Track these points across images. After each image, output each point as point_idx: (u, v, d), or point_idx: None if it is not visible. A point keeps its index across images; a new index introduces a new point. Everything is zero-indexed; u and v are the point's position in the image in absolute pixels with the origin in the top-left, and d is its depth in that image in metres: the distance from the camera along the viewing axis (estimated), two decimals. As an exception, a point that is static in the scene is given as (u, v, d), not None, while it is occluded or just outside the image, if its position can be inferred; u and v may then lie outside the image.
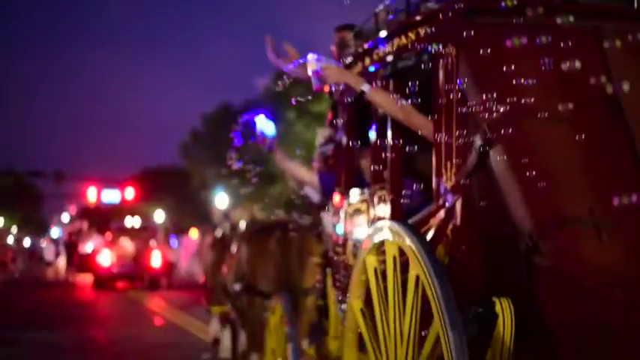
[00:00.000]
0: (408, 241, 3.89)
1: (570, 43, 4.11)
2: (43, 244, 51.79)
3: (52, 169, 64.57)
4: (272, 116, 6.57)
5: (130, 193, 40.65)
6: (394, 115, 4.88)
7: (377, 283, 4.33)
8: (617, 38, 4.19)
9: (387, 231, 4.16)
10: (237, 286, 8.54)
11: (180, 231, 40.99)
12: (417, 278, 3.81)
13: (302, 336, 6.83)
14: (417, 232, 3.95)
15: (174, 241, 38.08)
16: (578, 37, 4.20)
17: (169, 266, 33.55)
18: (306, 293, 7.27)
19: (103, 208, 39.26)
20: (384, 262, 4.25)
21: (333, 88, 5.28)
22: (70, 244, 40.75)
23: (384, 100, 4.93)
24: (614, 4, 4.62)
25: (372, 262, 4.39)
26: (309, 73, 5.18)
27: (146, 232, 34.17)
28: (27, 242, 55.42)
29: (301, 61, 5.42)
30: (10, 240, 44.89)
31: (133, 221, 36.03)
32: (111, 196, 41.49)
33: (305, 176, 6.71)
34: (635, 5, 4.49)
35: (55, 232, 44.96)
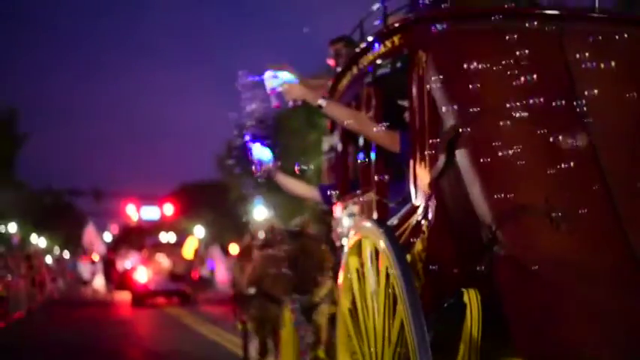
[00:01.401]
0: (378, 240, 4.24)
1: (533, 46, 4.41)
2: (81, 263, 52.38)
3: (90, 187, 65.54)
4: (265, 142, 6.72)
5: (169, 209, 41.01)
6: (350, 127, 5.26)
7: (358, 283, 4.67)
8: (579, 39, 4.50)
9: (362, 231, 4.51)
10: (251, 290, 8.89)
11: (220, 245, 41.37)
12: (387, 273, 4.16)
13: (316, 342, 7.16)
14: (387, 230, 4.29)
15: (214, 256, 38.46)
16: (541, 39, 4.51)
17: (206, 281, 33.95)
18: (318, 301, 7.58)
19: (144, 225, 39.70)
20: (363, 263, 4.60)
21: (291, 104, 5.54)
22: (108, 262, 41.36)
23: (340, 113, 5.35)
24: (577, 6, 4.91)
25: (353, 262, 4.73)
26: (268, 91, 5.48)
27: (181, 247, 34.61)
28: (69, 263, 56.06)
29: (257, 79, 5.65)
30: (49, 260, 45.50)
31: (168, 237, 36.47)
32: (150, 213, 41.90)
33: (306, 192, 7.01)
34: (597, 5, 4.77)
35: (95, 256, 45.53)
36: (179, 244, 35.25)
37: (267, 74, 5.51)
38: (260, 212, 33.54)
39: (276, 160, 6.64)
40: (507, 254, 3.90)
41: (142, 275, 32.63)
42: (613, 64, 4.39)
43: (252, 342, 9.70)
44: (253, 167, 6.64)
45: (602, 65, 4.41)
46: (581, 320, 3.77)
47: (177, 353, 15.83)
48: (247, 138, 6.54)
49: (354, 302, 4.83)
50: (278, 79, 5.45)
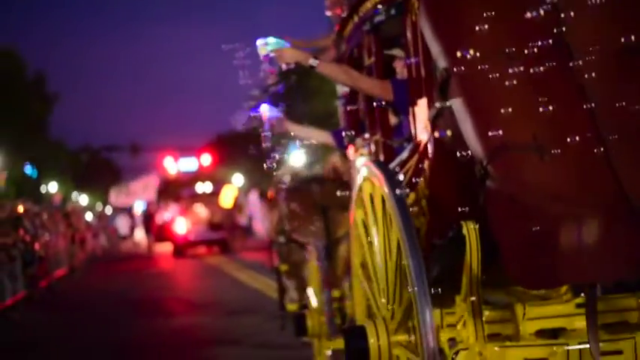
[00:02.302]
0: (375, 178, 4.54)
1: None
2: (119, 218, 52.98)
3: (127, 143, 66.16)
4: (272, 103, 6.94)
5: (206, 159, 41.23)
6: (344, 83, 5.53)
7: (370, 206, 4.95)
8: None
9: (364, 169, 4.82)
10: (281, 239, 9.21)
11: (260, 193, 41.69)
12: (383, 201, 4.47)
13: (339, 279, 7.47)
14: (383, 167, 4.56)
15: (253, 203, 38.73)
16: None
17: (245, 229, 34.44)
18: (338, 242, 7.89)
19: (182, 177, 40.10)
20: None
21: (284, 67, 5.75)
22: (147, 215, 41.97)
23: (332, 71, 5.63)
24: None
25: (366, 188, 5.00)
26: (261, 57, 5.73)
27: (220, 196, 35.09)
28: (111, 219, 56.70)
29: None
30: (89, 217, 46.12)
31: (205, 187, 36.92)
32: (188, 164, 42.21)
33: (320, 137, 7.28)
34: None
35: (139, 205, 46.02)
36: (216, 193, 35.72)
37: (259, 42, 5.73)
38: (297, 158, 33.84)
39: (283, 112, 6.87)
40: (498, 188, 4.14)
41: (181, 226, 33.27)
42: (603, 6, 4.55)
43: (289, 285, 10.04)
44: (266, 129, 6.85)
45: (592, 9, 4.58)
46: (569, 249, 4.01)
47: (217, 300, 16.25)
48: (252, 106, 6.78)
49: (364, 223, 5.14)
50: (269, 46, 5.68)
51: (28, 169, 45.70)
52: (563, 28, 4.46)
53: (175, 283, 22.16)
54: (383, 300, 4.77)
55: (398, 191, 4.41)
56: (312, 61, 5.54)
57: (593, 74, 4.40)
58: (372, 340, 4.69)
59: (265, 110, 6.75)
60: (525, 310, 4.62)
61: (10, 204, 19.65)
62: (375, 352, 4.69)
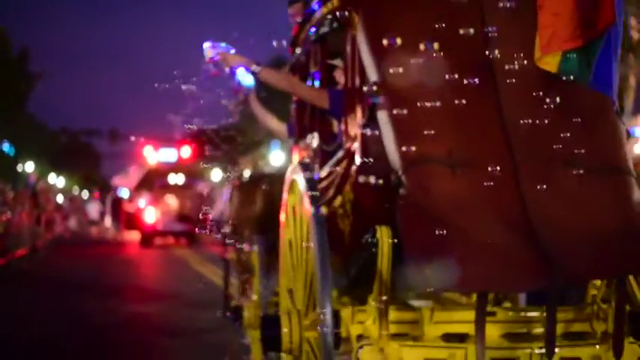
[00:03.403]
0: (298, 181, 4.89)
1: (451, 5, 4.95)
2: (89, 203, 53.17)
3: (106, 128, 66.29)
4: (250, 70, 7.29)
5: (186, 151, 41.44)
6: (284, 89, 5.93)
7: (293, 220, 5.31)
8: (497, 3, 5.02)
9: (291, 172, 5.16)
10: (227, 229, 9.56)
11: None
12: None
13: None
14: (306, 171, 4.91)
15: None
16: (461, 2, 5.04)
17: (216, 223, 34.61)
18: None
19: (161, 167, 40.37)
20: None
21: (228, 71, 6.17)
22: (116, 202, 42.27)
23: (273, 78, 6.08)
24: None
25: (290, 200, 5.36)
26: (207, 60, 6.11)
27: (191, 189, 35.41)
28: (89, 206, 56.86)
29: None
30: (61, 199, 46.32)
31: (177, 178, 37.28)
32: (168, 155, 42.45)
33: (276, 126, 7.65)
34: None
35: (125, 193, 46.13)
36: (188, 185, 36.07)
37: (206, 45, 6.11)
38: (276, 156, 34.19)
39: (256, 89, 7.19)
40: (408, 196, 4.52)
41: (150, 216, 33.56)
42: (525, 23, 4.88)
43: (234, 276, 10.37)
44: (233, 86, 7.16)
45: (516, 26, 4.94)
46: (469, 255, 4.38)
47: (177, 292, 16.47)
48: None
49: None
50: (215, 50, 6.06)
51: (6, 147, 45.80)
52: (487, 52, 4.81)
53: (139, 272, 22.43)
54: (300, 296, 5.11)
55: (311, 193, 4.77)
56: (254, 67, 5.95)
57: (513, 98, 4.78)
58: (285, 330, 5.05)
59: (241, 74, 7.06)
60: (433, 314, 5.00)
61: None
62: (287, 341, 5.04)
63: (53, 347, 10.28)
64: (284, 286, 5.65)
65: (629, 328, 4.90)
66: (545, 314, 4.81)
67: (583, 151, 4.66)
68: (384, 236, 4.67)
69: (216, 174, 38.24)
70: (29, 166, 51.19)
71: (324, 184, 5.75)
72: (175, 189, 35.70)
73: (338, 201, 5.36)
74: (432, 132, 4.67)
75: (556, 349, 4.74)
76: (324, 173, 5.83)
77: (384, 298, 4.69)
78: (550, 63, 4.24)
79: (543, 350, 4.65)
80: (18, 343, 10.44)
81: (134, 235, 36.24)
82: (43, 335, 11.07)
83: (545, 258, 4.36)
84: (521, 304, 6.07)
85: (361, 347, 4.70)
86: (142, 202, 35.63)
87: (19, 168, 49.50)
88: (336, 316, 4.89)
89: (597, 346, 4.82)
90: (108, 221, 45.56)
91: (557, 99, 4.69)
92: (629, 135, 6.03)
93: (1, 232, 19.12)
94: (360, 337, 4.86)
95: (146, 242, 33.44)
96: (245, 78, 7.10)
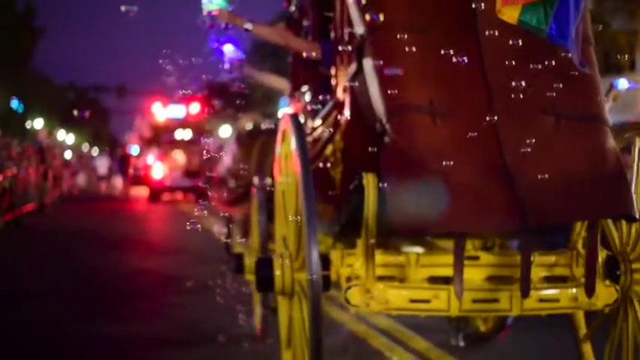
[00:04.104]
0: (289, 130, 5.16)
1: None
2: (98, 159, 53.48)
3: (114, 84, 66.41)
4: (237, 42, 7.57)
5: (194, 108, 41.53)
6: (277, 43, 6.25)
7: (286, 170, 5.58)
8: None
9: (282, 122, 5.44)
10: (231, 183, 9.89)
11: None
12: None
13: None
14: (294, 121, 5.18)
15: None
16: None
17: (221, 180, 34.90)
18: None
19: (170, 124, 40.54)
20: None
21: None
22: (124, 158, 42.59)
23: (266, 33, 6.43)
24: None
25: (282, 151, 5.63)
26: (204, 13, 6.41)
27: (198, 145, 35.65)
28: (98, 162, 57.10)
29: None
30: (68, 155, 46.60)
31: (184, 134, 37.59)
32: (176, 111, 42.58)
33: (277, 83, 7.97)
34: None
35: (135, 150, 46.29)
36: (195, 141, 36.31)
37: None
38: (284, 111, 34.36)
39: (244, 55, 7.48)
40: (391, 143, 4.78)
41: (158, 171, 33.91)
42: None
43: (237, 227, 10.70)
44: (226, 66, 7.45)
45: None
46: (446, 198, 4.64)
47: (185, 247, 16.70)
48: (215, 44, 7.35)
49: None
50: (212, 4, 6.35)
51: (14, 104, 45.97)
52: (471, 4, 5.03)
53: (146, 227, 22.74)
54: (292, 242, 5.40)
55: (299, 137, 5.03)
56: (247, 25, 6.27)
57: (494, 49, 5.02)
58: (277, 272, 5.34)
59: (229, 51, 7.34)
60: (419, 258, 5.29)
61: None
62: (279, 282, 5.34)
63: (61, 297, 10.57)
64: (278, 233, 5.92)
65: (605, 272, 5.20)
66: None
67: (559, 100, 4.91)
68: (370, 182, 4.95)
69: (223, 131, 38.49)
70: (38, 123, 51.34)
71: (316, 134, 6.05)
72: (183, 145, 35.98)
73: (329, 150, 5.65)
74: (414, 82, 4.93)
75: (536, 291, 5.05)
76: (316, 124, 6.11)
77: (371, 241, 4.98)
78: (510, 15, 4.45)
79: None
80: (26, 295, 10.75)
81: (142, 191, 36.59)
82: (52, 287, 11.40)
83: (519, 201, 4.64)
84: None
85: (349, 288, 4.99)
86: (150, 158, 35.94)
87: (28, 125, 49.67)
88: (326, 259, 5.19)
89: (575, 289, 5.11)
90: (116, 177, 45.87)
91: (536, 51, 4.93)
92: (611, 87, 6.31)
93: (7, 188, 18.84)
94: (349, 279, 5.13)
95: (154, 198, 33.85)
96: (235, 54, 7.36)
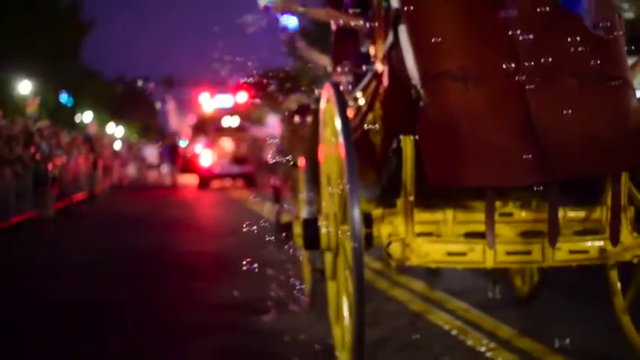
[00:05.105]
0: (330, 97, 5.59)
1: None
2: (147, 148, 54.27)
3: (161, 76, 67.01)
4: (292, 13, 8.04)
5: (242, 96, 41.99)
6: (326, 20, 6.95)
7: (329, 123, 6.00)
8: None
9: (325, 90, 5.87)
10: (280, 159, 10.37)
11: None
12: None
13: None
14: (335, 88, 5.59)
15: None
16: None
17: (270, 165, 35.40)
18: None
19: (217, 113, 41.10)
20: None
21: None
22: (172, 147, 43.27)
23: (315, 13, 7.18)
24: None
25: (327, 108, 6.04)
26: (261, 7, 6.89)
27: (246, 132, 36.25)
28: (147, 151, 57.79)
29: None
30: (118, 145, 47.22)
31: (231, 121, 38.19)
32: (223, 101, 43.10)
33: (318, 58, 8.41)
34: None
35: (182, 138, 46.93)
36: (243, 128, 36.91)
37: None
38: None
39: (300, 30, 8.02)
40: (426, 107, 5.20)
41: (207, 159, 34.53)
42: None
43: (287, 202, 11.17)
44: (280, 34, 7.94)
45: None
46: (477, 156, 5.05)
47: (235, 230, 17.01)
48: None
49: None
50: None
51: (64, 98, 46.51)
52: None
53: (197, 213, 23.14)
54: (336, 201, 5.82)
55: (339, 101, 5.45)
56: (300, 9, 6.78)
57: (521, 14, 5.39)
58: (323, 231, 5.78)
59: (285, 19, 7.81)
60: (455, 215, 5.70)
61: (22, 120, 19.31)
62: (325, 240, 5.77)
63: (114, 276, 11.02)
64: (324, 198, 6.34)
65: (633, 225, 5.57)
66: (559, 214, 5.48)
67: (583, 63, 5.29)
68: (407, 144, 5.36)
69: (271, 119, 38.96)
70: (87, 116, 51.96)
71: (358, 103, 6.47)
72: (230, 132, 36.59)
73: (370, 118, 6.07)
74: (446, 50, 5.33)
75: (566, 243, 5.43)
76: (357, 95, 6.53)
77: (410, 199, 5.39)
78: None
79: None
80: (80, 272, 11.23)
81: (191, 179, 37.25)
82: (105, 266, 11.87)
83: (544, 157, 5.03)
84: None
85: (390, 243, 5.41)
86: (199, 146, 36.61)
87: (77, 119, 50.27)
88: (368, 217, 5.61)
89: (604, 241, 5.48)
90: (165, 166, 46.58)
91: (561, 15, 5.31)
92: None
93: (57, 176, 19.07)
94: (390, 236, 5.54)
95: (203, 185, 34.52)
96: (289, 21, 7.85)
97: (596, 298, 6.34)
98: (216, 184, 35.42)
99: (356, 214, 5.03)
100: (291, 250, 7.94)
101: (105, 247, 14.27)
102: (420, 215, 5.60)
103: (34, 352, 6.94)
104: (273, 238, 10.53)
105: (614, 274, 5.96)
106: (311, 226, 5.88)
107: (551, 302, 7.74)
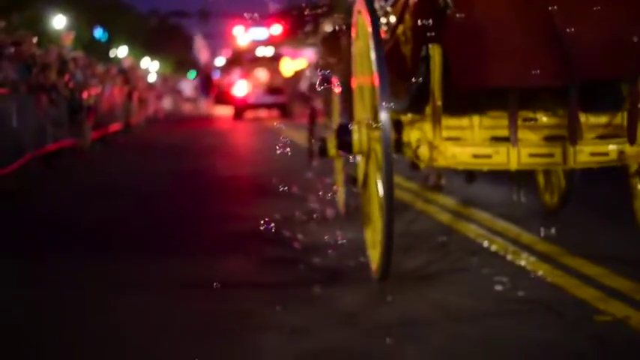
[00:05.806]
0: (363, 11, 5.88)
1: None
2: (183, 82, 54.60)
3: (195, 9, 66.87)
4: None
5: (276, 29, 42.03)
6: None
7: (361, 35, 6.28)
8: None
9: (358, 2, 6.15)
10: (317, 78, 10.70)
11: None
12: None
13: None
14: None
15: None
16: None
17: (304, 96, 35.60)
18: None
19: (252, 46, 41.24)
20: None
21: None
22: (207, 78, 43.53)
23: None
24: None
25: (359, 20, 6.29)
26: None
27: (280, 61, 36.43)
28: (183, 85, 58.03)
29: None
30: (152, 78, 47.35)
31: (265, 51, 38.31)
32: (258, 34, 43.17)
33: None
34: None
35: (217, 70, 46.97)
36: (277, 57, 37.03)
37: None
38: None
39: None
40: (452, 15, 5.49)
41: (241, 89, 34.82)
42: None
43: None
44: None
45: None
46: (502, 58, 5.36)
47: (270, 158, 17.11)
48: None
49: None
50: None
51: (98, 32, 46.62)
52: None
53: (233, 141, 23.39)
54: (367, 106, 6.12)
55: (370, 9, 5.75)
56: None
57: None
58: (355, 136, 6.10)
59: None
60: (481, 120, 5.99)
61: (57, 48, 19.23)
62: (357, 144, 6.09)
63: (155, 198, 11.27)
64: (357, 108, 6.64)
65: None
66: (582, 119, 5.76)
67: None
68: (435, 51, 5.66)
69: (307, 52, 39.09)
70: (122, 51, 52.08)
71: (389, 18, 6.74)
72: (265, 62, 36.75)
73: (400, 29, 6.34)
74: None
75: (587, 146, 5.71)
76: (388, 9, 6.80)
77: (438, 103, 5.68)
78: None
79: (576, 147, 5.61)
80: (121, 195, 11.54)
81: (226, 110, 37.54)
82: (145, 189, 12.13)
83: (566, 61, 5.32)
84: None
85: (419, 146, 5.71)
86: (234, 76, 36.83)
87: (112, 53, 50.42)
88: (398, 124, 5.92)
89: (622, 144, 5.75)
90: (201, 98, 46.88)
91: None
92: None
93: (93, 106, 18.87)
94: (418, 140, 5.85)
95: (238, 115, 34.87)
96: None
97: (623, 212, 6.52)
98: (250, 114, 35.69)
99: (384, 116, 5.37)
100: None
101: (142, 171, 14.64)
102: (448, 121, 5.89)
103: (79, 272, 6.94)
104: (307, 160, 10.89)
105: (635, 179, 6.22)
106: (344, 130, 6.20)
107: (581, 215, 7.95)
